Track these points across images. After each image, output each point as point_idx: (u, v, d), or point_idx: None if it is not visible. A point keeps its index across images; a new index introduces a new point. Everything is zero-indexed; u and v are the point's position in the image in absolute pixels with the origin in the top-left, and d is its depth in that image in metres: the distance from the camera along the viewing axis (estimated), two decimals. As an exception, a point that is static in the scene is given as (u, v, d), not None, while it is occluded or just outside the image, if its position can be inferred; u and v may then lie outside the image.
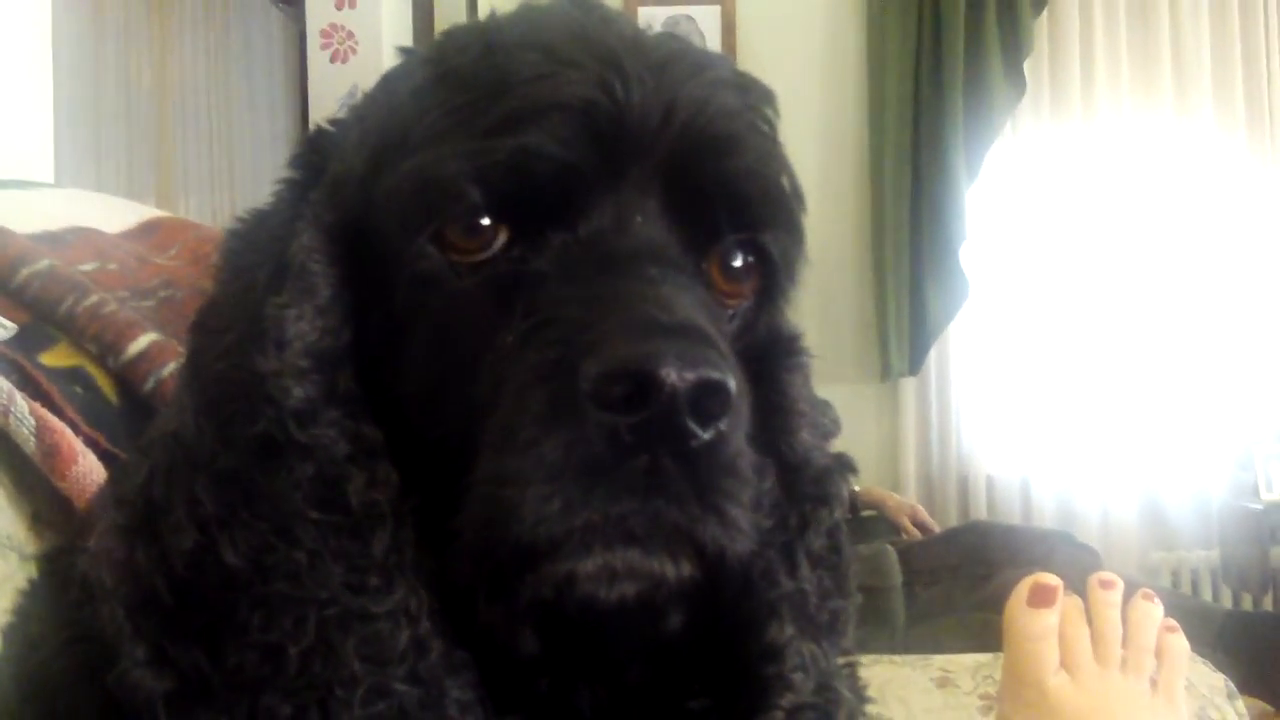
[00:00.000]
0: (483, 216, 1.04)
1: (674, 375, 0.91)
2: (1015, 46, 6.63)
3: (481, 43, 1.10)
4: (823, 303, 6.71)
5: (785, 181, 1.14)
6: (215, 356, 1.08)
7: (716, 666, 1.14)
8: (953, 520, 6.48)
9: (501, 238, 1.05)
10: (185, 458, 1.05)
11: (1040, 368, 6.84)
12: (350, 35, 6.23)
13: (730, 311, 1.14)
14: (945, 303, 6.68)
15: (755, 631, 1.13)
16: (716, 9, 6.86)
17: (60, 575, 1.24)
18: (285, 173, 1.19)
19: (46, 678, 1.14)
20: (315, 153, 1.19)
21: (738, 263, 1.13)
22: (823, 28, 6.94)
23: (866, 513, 5.76)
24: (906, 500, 5.98)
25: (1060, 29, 6.82)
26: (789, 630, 1.14)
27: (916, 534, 5.58)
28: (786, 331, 1.24)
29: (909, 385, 6.88)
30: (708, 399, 0.93)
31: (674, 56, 1.10)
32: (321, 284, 1.09)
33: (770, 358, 1.20)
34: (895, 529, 5.62)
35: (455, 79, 1.08)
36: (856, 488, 5.72)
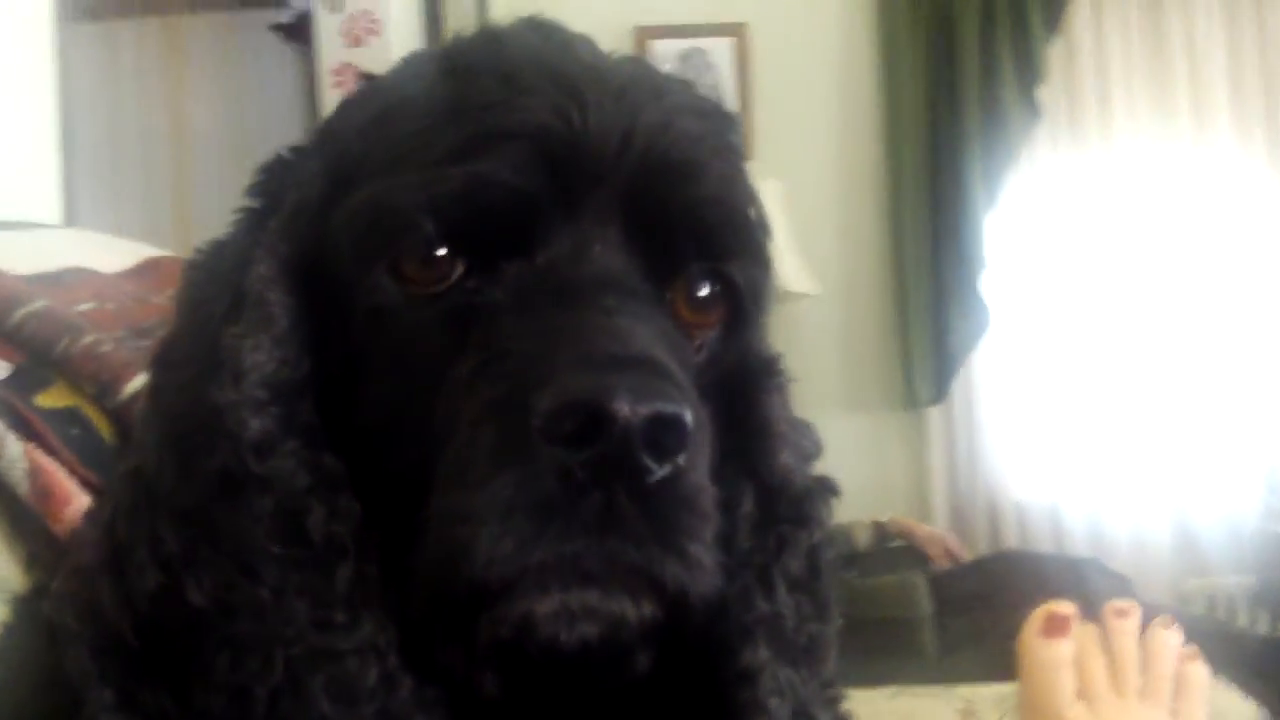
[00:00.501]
0: (437, 247, 1.02)
1: (626, 409, 0.88)
2: (1029, 72, 6.61)
3: (437, 68, 1.08)
4: (845, 332, 6.69)
5: (749, 208, 1.12)
6: (176, 390, 1.07)
7: (687, 702, 1.11)
8: (982, 548, 6.42)
9: (458, 268, 1.03)
10: (147, 495, 1.03)
11: (1067, 392, 6.78)
12: (362, 74, 6.23)
13: (697, 342, 1.11)
14: (968, 330, 6.65)
15: (729, 656, 1.10)
16: (731, 41, 6.85)
17: (33, 618, 1.22)
18: (244, 201, 1.17)
19: None
20: (274, 181, 1.16)
21: (703, 292, 1.10)
22: (837, 59, 6.93)
23: (895, 542, 5.72)
24: (935, 529, 5.94)
25: (1075, 54, 6.79)
26: (764, 654, 1.10)
27: (946, 563, 5.53)
28: (764, 354, 1.21)
29: (935, 413, 6.83)
30: (663, 433, 0.90)
31: (633, 82, 1.08)
32: (279, 314, 1.06)
33: (748, 380, 1.17)
34: (924, 559, 5.58)
35: (410, 106, 1.06)
36: (884, 518, 5.69)
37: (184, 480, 1.01)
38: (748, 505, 1.14)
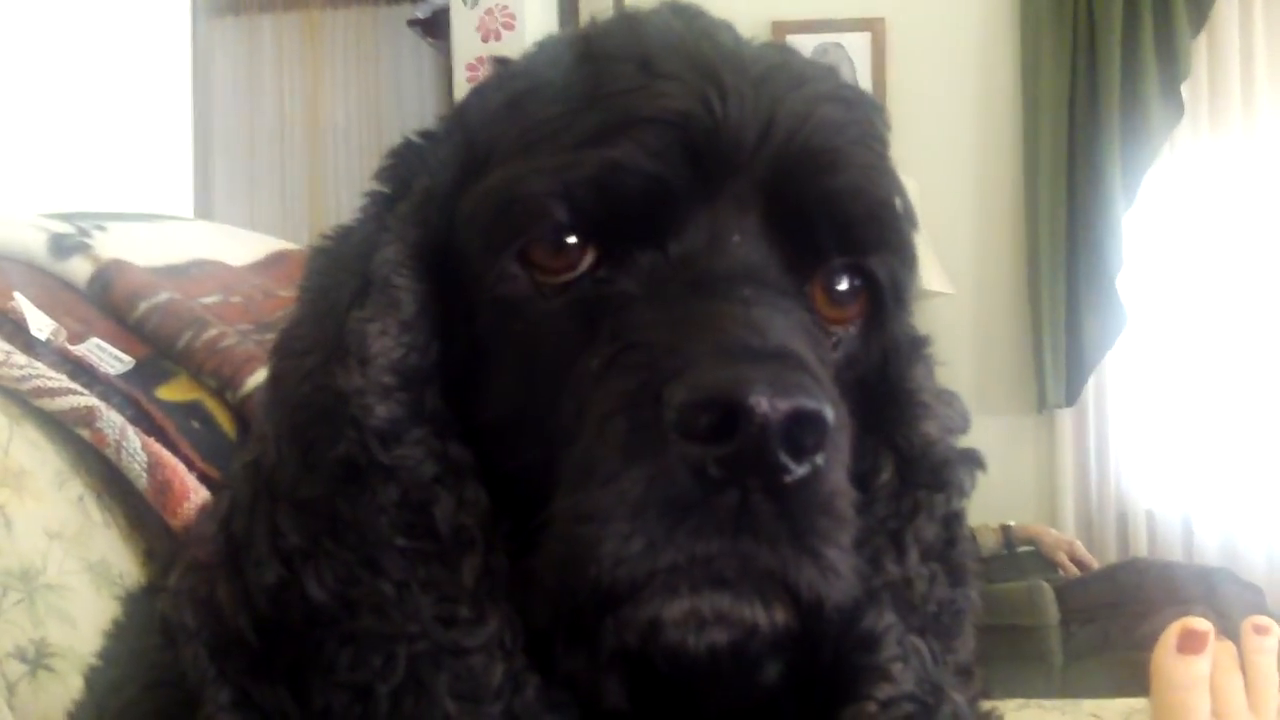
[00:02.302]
0: (569, 235, 0.99)
1: (765, 404, 0.84)
2: (1172, 68, 6.47)
3: (574, 53, 1.05)
4: (977, 332, 6.61)
5: (893, 199, 1.07)
6: (298, 380, 1.04)
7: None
8: (1111, 557, 6.32)
9: (589, 257, 1.00)
10: (267, 487, 1.01)
11: (1202, 399, 6.62)
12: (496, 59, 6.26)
13: (834, 338, 1.06)
14: (1103, 331, 6.53)
15: (851, 620, 1.05)
16: (867, 36, 6.80)
17: (143, 616, 1.22)
18: (372, 186, 1.14)
19: None
20: (403, 166, 1.14)
21: (843, 286, 1.06)
22: (975, 55, 6.84)
23: (1023, 548, 5.66)
24: (1064, 535, 5.86)
25: (1219, 49, 6.64)
26: (889, 618, 1.06)
27: (1074, 570, 5.47)
28: (910, 335, 1.16)
29: (1066, 417, 6.72)
30: (802, 430, 0.86)
31: (775, 69, 1.04)
32: (406, 299, 1.04)
33: (892, 355, 1.13)
34: (1052, 565, 5.51)
35: (544, 91, 1.03)
36: (1012, 522, 5.63)
37: (305, 471, 0.99)
38: (886, 474, 1.10)
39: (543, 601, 0.94)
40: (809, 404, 0.86)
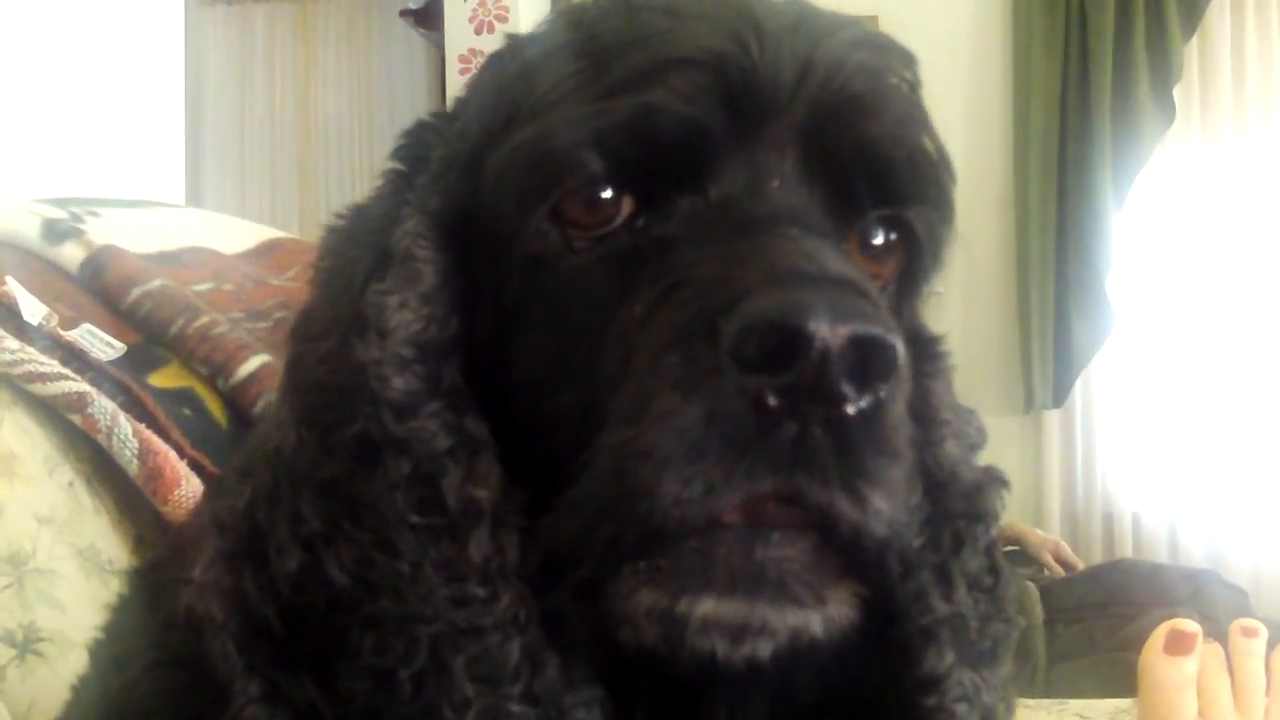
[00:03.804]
0: (604, 188, 0.96)
1: (825, 328, 0.80)
2: (1164, 72, 6.48)
3: (591, 14, 1.03)
4: (965, 332, 6.60)
5: (930, 146, 1.04)
6: (315, 362, 1.02)
7: (844, 700, 1.05)
8: (1096, 558, 6.32)
9: (625, 209, 0.97)
10: (288, 473, 0.99)
11: (1190, 401, 6.64)
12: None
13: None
14: (1091, 333, 6.54)
15: (910, 660, 1.04)
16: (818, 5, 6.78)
17: (149, 593, 1.21)
18: (388, 165, 1.12)
19: (131, 701, 1.10)
20: (418, 144, 1.12)
21: (879, 240, 1.03)
22: (967, 54, 6.85)
23: (1008, 547, 5.64)
24: (1049, 536, 5.85)
25: (1211, 53, 6.65)
26: (949, 657, 1.04)
27: (1059, 570, 5.45)
28: (926, 333, 1.14)
29: (1053, 418, 6.74)
30: (867, 359, 0.82)
31: (807, 15, 1.01)
32: (427, 270, 1.02)
33: (911, 360, 1.07)
34: (1037, 565, 5.50)
35: (565, 50, 1.01)
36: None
37: (324, 453, 0.97)
38: (916, 497, 1.05)
39: (575, 529, 0.91)
40: (873, 330, 0.83)
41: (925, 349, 1.13)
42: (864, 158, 1.00)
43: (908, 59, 1.07)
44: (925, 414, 1.09)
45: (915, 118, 1.04)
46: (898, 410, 0.88)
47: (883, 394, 0.84)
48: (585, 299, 0.97)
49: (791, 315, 0.81)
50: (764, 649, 0.89)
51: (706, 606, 0.87)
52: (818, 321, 0.81)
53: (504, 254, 1.00)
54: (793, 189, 0.97)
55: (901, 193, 1.02)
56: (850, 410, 0.83)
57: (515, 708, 0.92)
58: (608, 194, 0.97)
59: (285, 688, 0.95)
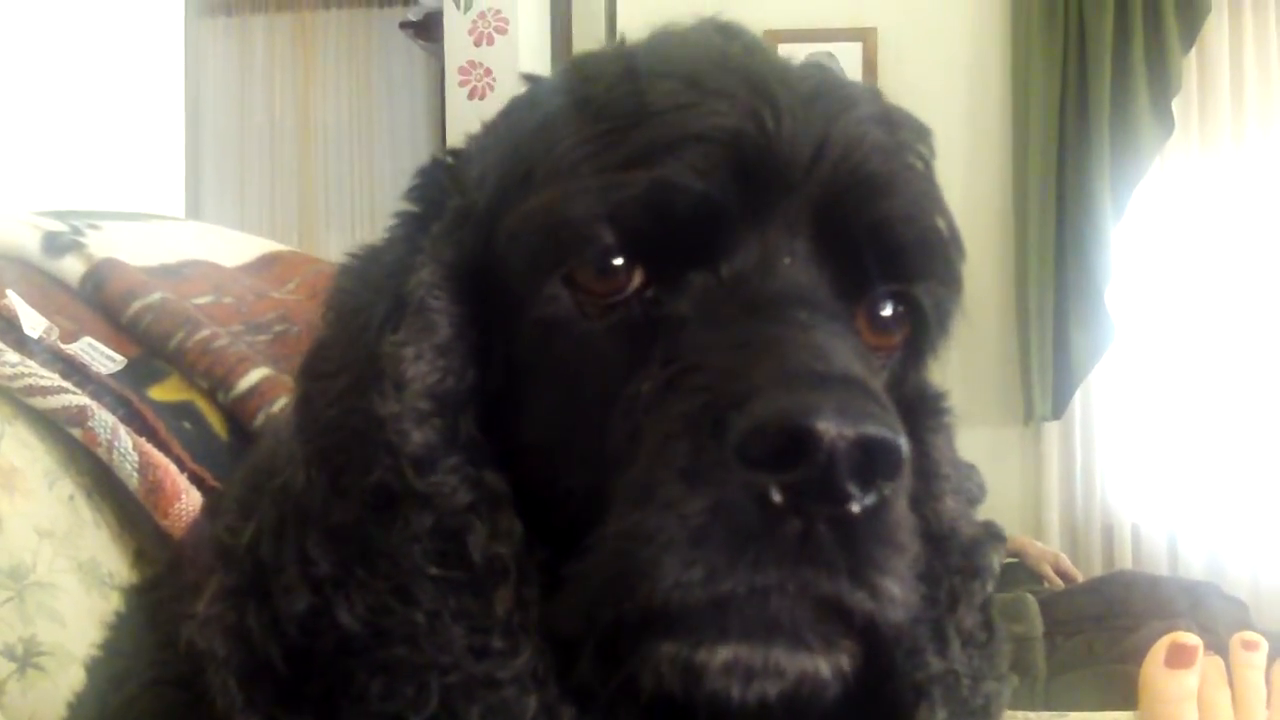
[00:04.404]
0: (616, 257, 0.97)
1: (833, 430, 0.82)
2: (1163, 85, 6.49)
3: (615, 70, 1.03)
4: (964, 344, 6.53)
5: (942, 226, 1.05)
6: (327, 403, 1.02)
7: None
8: (1096, 570, 6.31)
9: (636, 279, 0.98)
10: (296, 512, 0.98)
11: (1190, 413, 6.64)
12: (488, 72, 6.26)
13: (878, 364, 1.05)
14: (1090, 345, 6.54)
15: (901, 717, 1.04)
16: (858, 46, 6.80)
17: (147, 611, 1.21)
18: (402, 206, 1.12)
19: (127, 719, 1.10)
20: (434, 186, 1.12)
21: (886, 313, 1.04)
22: (966, 66, 6.85)
23: (1007, 560, 5.63)
24: (1049, 548, 5.84)
25: (1209, 65, 6.66)
26: (940, 715, 1.05)
27: (1059, 583, 5.44)
28: (930, 389, 1.15)
29: (1053, 430, 6.74)
30: (872, 459, 0.84)
31: (824, 89, 1.02)
32: (442, 322, 1.02)
33: (914, 416, 1.10)
34: (1036, 577, 5.49)
35: (585, 109, 1.01)
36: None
37: (336, 497, 0.97)
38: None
39: (579, 611, 0.92)
40: (880, 432, 0.84)
41: (928, 405, 1.14)
42: (876, 237, 1.00)
43: (923, 134, 1.09)
44: (925, 468, 1.11)
45: (929, 195, 1.05)
46: (901, 506, 0.89)
47: (887, 492, 0.86)
48: (595, 367, 0.97)
49: (800, 417, 0.82)
50: (772, 689, 0.89)
51: (725, 654, 0.88)
52: (825, 423, 0.82)
53: (516, 314, 1.00)
54: (804, 267, 0.97)
55: (911, 271, 1.03)
56: (855, 509, 0.85)
57: None
58: (619, 262, 0.97)
59: None
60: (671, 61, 1.02)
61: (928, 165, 1.07)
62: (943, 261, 1.05)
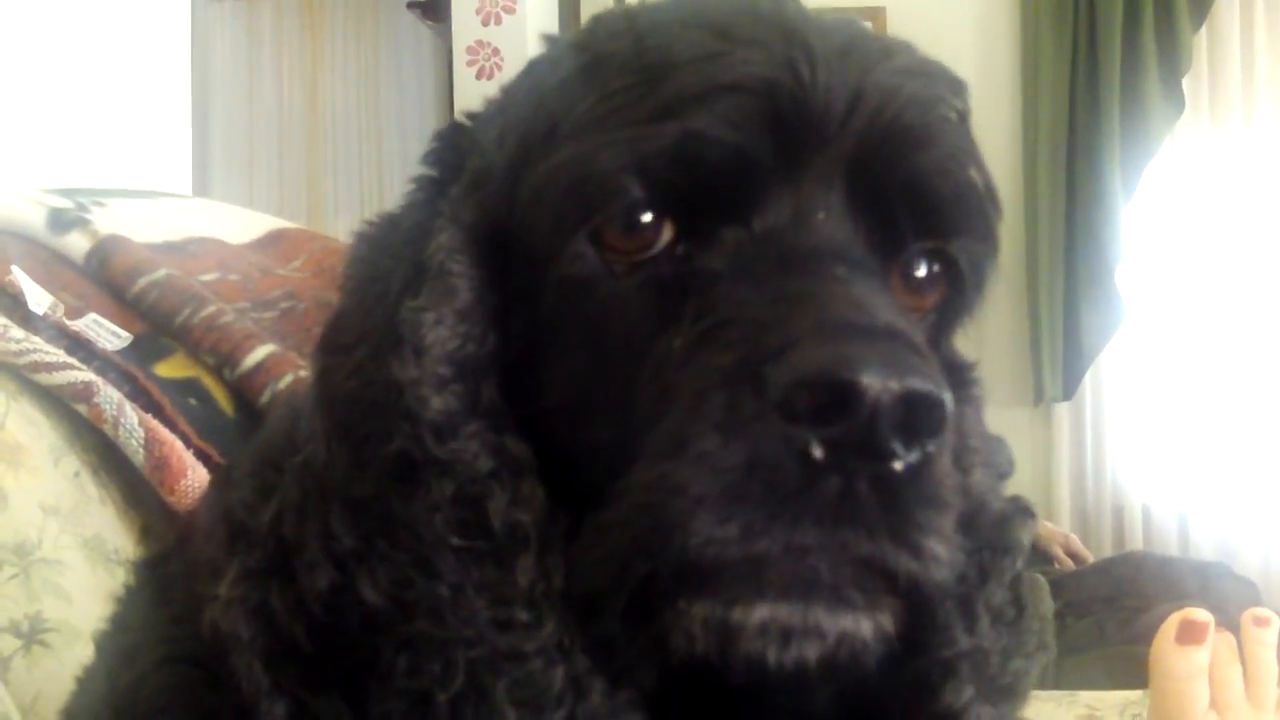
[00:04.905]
0: (644, 213, 0.93)
1: (877, 385, 0.78)
2: (1173, 63, 6.47)
3: (641, 24, 0.99)
4: (975, 325, 6.57)
5: (978, 179, 1.01)
6: (346, 374, 0.99)
7: None
8: (1107, 551, 6.30)
9: (666, 235, 0.94)
10: (317, 488, 0.95)
11: (1201, 394, 6.63)
12: (496, 51, 6.24)
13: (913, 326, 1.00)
14: (1101, 325, 6.53)
15: (928, 693, 1.01)
16: (867, 25, 6.75)
17: (158, 585, 1.19)
18: (420, 170, 1.09)
19: (139, 697, 1.07)
20: (452, 149, 1.08)
21: (921, 273, 1.01)
22: (976, 45, 6.83)
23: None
24: (1059, 529, 5.84)
25: (1220, 43, 6.64)
26: (968, 692, 1.01)
27: (1069, 563, 5.45)
28: (959, 359, 1.12)
29: (1063, 410, 6.73)
30: (916, 415, 0.80)
31: (857, 40, 0.98)
32: (463, 286, 0.99)
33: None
34: (1047, 558, 5.49)
35: (609, 65, 0.97)
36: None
37: (357, 469, 0.94)
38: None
39: (605, 566, 0.89)
40: (925, 386, 0.80)
41: (957, 376, 1.10)
42: (911, 191, 0.97)
43: (958, 87, 1.05)
44: (954, 441, 1.04)
45: (965, 149, 1.01)
46: (944, 463, 0.86)
47: (931, 449, 0.83)
48: (622, 325, 0.94)
49: (845, 370, 0.79)
50: (811, 652, 0.87)
51: (762, 613, 0.85)
52: (871, 377, 0.79)
53: (540, 273, 0.97)
54: (838, 222, 0.94)
55: (946, 226, 1.00)
56: (898, 467, 0.82)
57: None
58: (648, 218, 0.94)
59: (314, 708, 0.93)
60: (699, 13, 0.98)
61: (963, 119, 1.03)
62: (979, 216, 1.02)
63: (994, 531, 1.08)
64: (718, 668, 0.88)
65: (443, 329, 0.97)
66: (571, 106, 0.97)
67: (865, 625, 0.87)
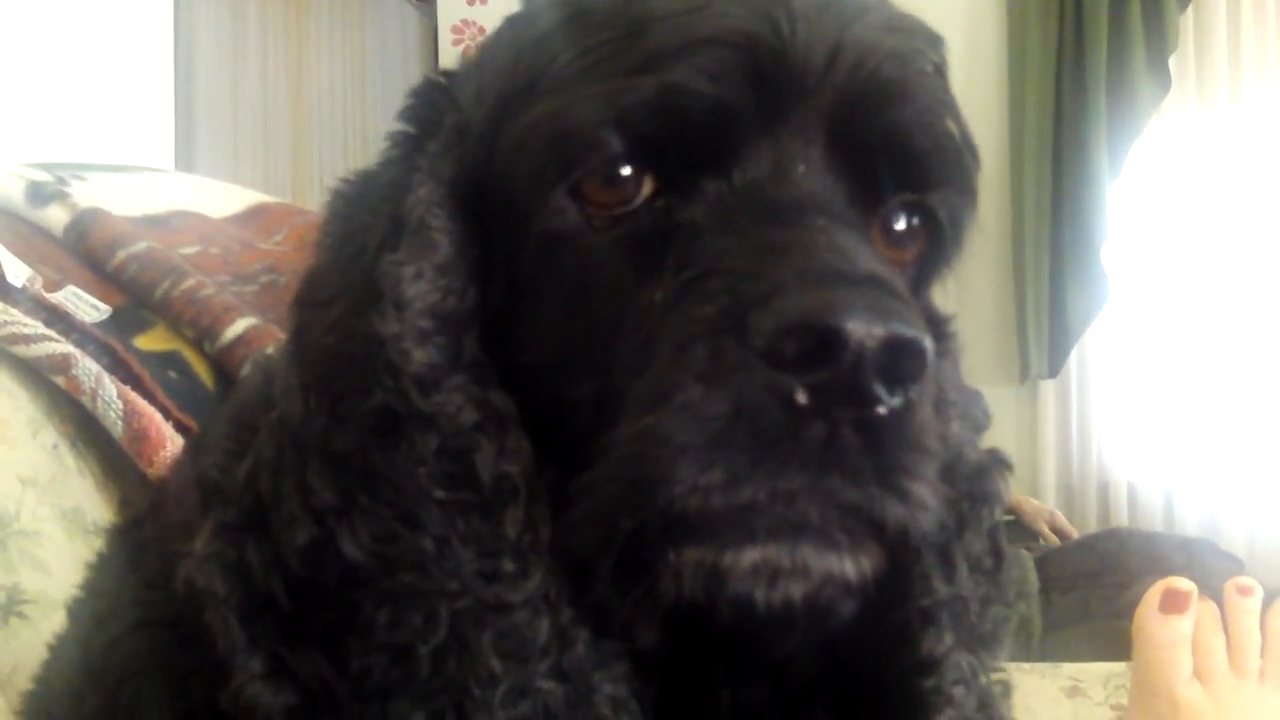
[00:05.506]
0: (624, 166, 0.94)
1: (861, 330, 0.79)
2: (1160, 42, 6.47)
3: None
4: (960, 302, 6.54)
5: (956, 132, 1.02)
6: (324, 330, 0.98)
7: (841, 681, 1.03)
8: (1092, 527, 6.32)
9: (646, 188, 0.94)
10: (294, 443, 0.95)
11: (1186, 371, 6.64)
12: (481, 30, 6.21)
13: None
14: (1086, 303, 6.54)
15: (908, 641, 1.02)
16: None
17: (130, 551, 1.19)
18: (397, 126, 1.08)
19: (112, 661, 1.07)
20: (429, 105, 1.08)
21: (900, 226, 1.01)
22: (963, 26, 6.82)
23: (1003, 517, 5.63)
24: (1044, 505, 5.85)
25: (1207, 22, 6.63)
26: (948, 640, 1.02)
27: (1054, 540, 5.45)
28: (936, 313, 1.12)
29: (1048, 388, 6.75)
30: (899, 360, 0.81)
31: None
32: (442, 240, 0.98)
33: None
34: (1032, 534, 5.50)
35: (589, 19, 0.97)
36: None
37: (336, 423, 0.94)
38: None
39: (591, 525, 0.89)
40: (907, 331, 0.81)
41: (936, 330, 1.10)
42: (890, 144, 0.98)
43: (935, 41, 1.05)
44: (933, 392, 1.07)
45: (943, 103, 1.02)
46: (926, 410, 0.87)
47: (913, 395, 0.83)
48: (603, 279, 0.95)
49: (829, 316, 0.80)
50: (797, 591, 0.87)
51: (752, 555, 0.85)
52: (855, 322, 0.79)
53: (519, 228, 0.97)
54: (818, 175, 0.95)
55: (925, 178, 1.01)
56: (882, 411, 0.82)
57: (544, 684, 0.90)
58: (628, 172, 0.94)
59: (292, 663, 0.92)
60: None
61: (940, 72, 1.04)
62: (957, 168, 1.02)
63: (972, 481, 1.09)
64: (705, 610, 0.88)
65: (423, 283, 0.97)
66: (551, 61, 0.97)
67: (849, 566, 0.88)
